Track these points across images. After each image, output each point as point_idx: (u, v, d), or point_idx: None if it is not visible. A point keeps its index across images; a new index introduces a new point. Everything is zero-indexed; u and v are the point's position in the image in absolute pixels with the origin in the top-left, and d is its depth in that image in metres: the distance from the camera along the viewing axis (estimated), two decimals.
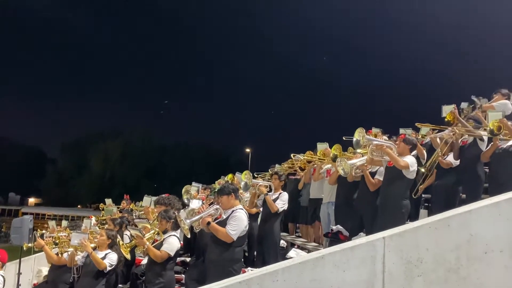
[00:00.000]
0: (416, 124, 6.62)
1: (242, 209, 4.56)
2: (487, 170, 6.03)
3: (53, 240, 6.18)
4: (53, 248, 6.15)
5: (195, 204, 5.07)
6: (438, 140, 6.00)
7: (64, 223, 8.44)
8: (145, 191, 9.13)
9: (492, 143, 5.19)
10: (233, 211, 4.48)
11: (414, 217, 5.75)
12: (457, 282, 2.98)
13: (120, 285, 6.30)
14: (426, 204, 6.61)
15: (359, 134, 5.35)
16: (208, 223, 4.41)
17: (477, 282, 2.95)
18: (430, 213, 5.97)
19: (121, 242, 5.46)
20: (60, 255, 6.03)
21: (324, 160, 6.97)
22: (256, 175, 9.31)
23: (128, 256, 5.31)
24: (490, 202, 3.08)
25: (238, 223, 4.37)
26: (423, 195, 6.43)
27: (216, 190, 5.83)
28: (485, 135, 5.37)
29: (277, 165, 9.24)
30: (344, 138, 6.97)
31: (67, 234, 6.42)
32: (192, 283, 5.50)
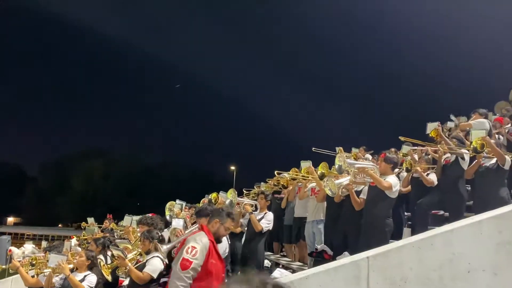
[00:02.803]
0: (399, 137, 6.70)
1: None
2: (469, 188, 6.12)
3: (30, 261, 5.99)
4: (30, 269, 5.96)
5: (178, 223, 5.00)
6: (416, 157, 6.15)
7: (44, 243, 8.24)
8: (129, 211, 9.00)
9: (475, 160, 5.28)
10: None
11: (396, 235, 5.77)
12: None
13: None
14: (409, 222, 6.65)
15: (339, 160, 5.37)
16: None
17: None
18: (413, 232, 6.00)
19: (102, 263, 5.33)
20: (36, 276, 5.84)
21: (308, 178, 6.98)
22: (245, 191, 9.28)
23: (109, 278, 5.17)
24: (472, 221, 3.11)
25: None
26: (405, 213, 6.48)
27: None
28: (466, 153, 5.47)
29: (262, 183, 9.21)
30: (313, 149, 7.02)
31: (44, 255, 6.24)
32: None
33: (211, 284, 3.46)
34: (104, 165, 50.54)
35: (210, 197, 7.98)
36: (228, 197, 6.21)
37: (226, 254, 4.50)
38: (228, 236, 4.76)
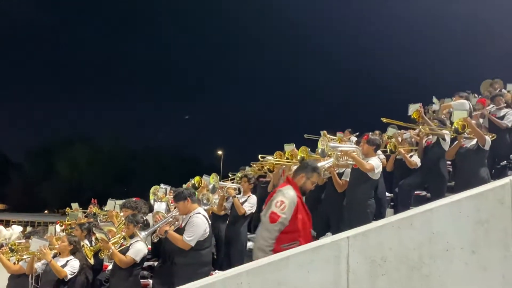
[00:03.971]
0: (381, 118, 6.71)
1: (199, 212, 4.49)
2: (451, 169, 6.19)
3: (9, 246, 5.90)
4: (11, 256, 5.87)
5: (160, 206, 4.97)
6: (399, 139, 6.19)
7: (29, 229, 8.13)
8: (115, 197, 8.92)
9: (456, 141, 5.32)
10: (190, 216, 4.41)
11: (378, 216, 5.82)
12: (419, 280, 2.99)
13: None
14: (392, 203, 6.71)
15: (322, 144, 5.36)
16: (166, 231, 4.34)
17: (439, 279, 2.97)
18: (396, 213, 6.06)
19: (86, 246, 5.28)
20: (17, 263, 5.76)
21: (292, 161, 6.97)
22: (230, 175, 9.26)
23: (92, 261, 5.13)
24: (451, 200, 3.11)
25: (195, 229, 4.31)
26: (388, 194, 6.54)
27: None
28: (447, 134, 5.50)
29: (247, 167, 9.19)
30: (305, 136, 7.01)
31: (25, 241, 6.15)
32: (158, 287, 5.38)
33: (298, 240, 3.53)
34: (89, 151, 50.02)
35: (193, 181, 7.95)
36: (210, 181, 6.18)
37: (207, 235, 4.47)
38: (209, 217, 4.74)
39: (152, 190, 7.58)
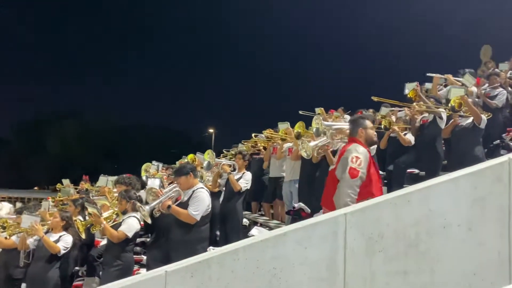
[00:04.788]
0: (372, 97, 6.66)
1: (203, 187, 4.46)
2: (444, 147, 6.19)
3: (0, 224, 5.83)
4: (2, 232, 5.81)
5: (154, 182, 4.92)
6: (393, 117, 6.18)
7: (19, 205, 8.05)
8: (105, 173, 8.86)
9: (452, 119, 5.30)
10: (193, 191, 4.37)
11: None
12: (416, 256, 3.00)
13: (76, 268, 6.09)
14: (385, 181, 6.74)
15: (316, 122, 5.31)
16: (169, 206, 4.29)
17: (435, 256, 2.98)
18: (389, 190, 6.09)
19: (78, 220, 5.24)
20: (9, 238, 5.71)
21: (286, 139, 6.94)
22: (225, 151, 9.24)
23: (83, 235, 5.10)
24: (449, 178, 3.10)
25: (200, 203, 4.28)
26: (380, 172, 6.55)
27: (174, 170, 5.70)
28: (443, 112, 5.48)
29: (240, 145, 9.16)
30: (300, 112, 6.98)
31: (15, 217, 6.09)
32: (155, 264, 5.36)
33: (372, 192, 3.58)
34: (78, 127, 49.43)
35: (187, 158, 7.91)
36: (205, 158, 6.13)
37: (209, 211, 4.45)
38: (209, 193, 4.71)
39: (144, 167, 7.54)
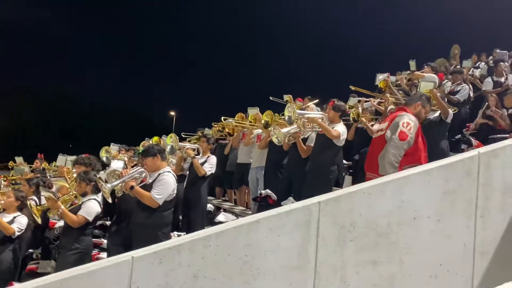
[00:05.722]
0: (350, 86, 6.72)
1: (169, 171, 4.30)
2: None
3: None
4: None
5: (116, 164, 4.71)
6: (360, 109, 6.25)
7: None
8: (60, 152, 8.46)
9: None
10: (159, 174, 4.21)
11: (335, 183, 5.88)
12: (386, 246, 3.03)
13: (30, 250, 5.79)
14: (350, 170, 6.83)
15: (288, 110, 5.29)
16: (132, 187, 4.11)
17: (405, 246, 3.02)
18: (354, 179, 6.17)
19: (32, 204, 4.95)
20: None
21: (255, 125, 6.87)
22: (184, 135, 9.04)
23: (39, 220, 4.83)
24: (422, 169, 3.14)
25: (164, 187, 4.13)
26: (345, 162, 6.63)
27: (140, 151, 5.49)
28: None
29: (206, 129, 9.00)
30: (270, 98, 6.94)
31: None
32: (116, 249, 5.18)
33: (420, 161, 3.75)
34: (32, 104, 47.14)
35: (151, 141, 7.68)
36: (168, 142, 5.95)
37: (173, 195, 4.31)
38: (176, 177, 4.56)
39: (103, 149, 7.26)
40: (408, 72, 7.65)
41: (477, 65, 10.04)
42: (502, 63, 8.16)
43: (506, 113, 6.54)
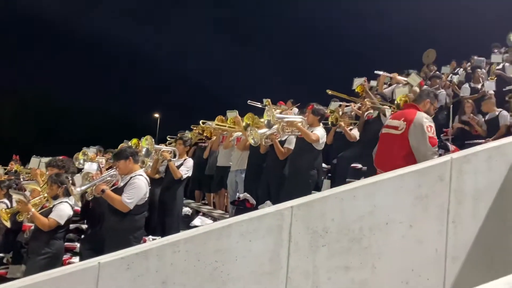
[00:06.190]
0: (327, 91, 6.73)
1: (141, 175, 4.22)
2: None
3: None
4: None
5: (91, 167, 4.61)
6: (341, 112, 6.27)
7: None
8: (40, 155, 8.28)
9: None
10: (131, 177, 4.13)
11: (315, 187, 5.88)
12: (359, 251, 3.00)
13: (1, 254, 5.64)
14: (329, 174, 6.83)
15: (268, 114, 5.28)
16: (103, 190, 4.02)
17: (378, 251, 3.00)
18: (333, 184, 6.17)
19: (3, 208, 4.82)
20: None
21: (235, 127, 6.83)
22: (169, 138, 8.97)
23: (8, 224, 4.69)
24: (394, 175, 3.13)
25: (136, 191, 4.05)
26: (324, 166, 6.64)
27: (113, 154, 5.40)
28: (388, 110, 5.61)
29: (187, 131, 8.93)
30: (248, 102, 6.92)
31: None
32: (88, 253, 5.07)
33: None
34: (13, 105, 46.20)
35: (130, 143, 7.56)
36: (143, 144, 5.87)
37: (145, 199, 4.23)
38: (149, 180, 4.49)
39: (81, 152, 7.13)
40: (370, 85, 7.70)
41: (456, 71, 10.20)
42: (479, 70, 8.31)
43: (482, 120, 6.65)
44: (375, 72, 7.64)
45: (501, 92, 7.23)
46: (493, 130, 6.41)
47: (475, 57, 9.59)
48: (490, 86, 7.54)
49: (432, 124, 3.90)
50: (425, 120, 3.88)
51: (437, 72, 9.56)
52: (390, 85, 8.03)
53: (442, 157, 3.32)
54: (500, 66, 8.48)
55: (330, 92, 6.69)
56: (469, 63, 9.95)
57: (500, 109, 6.62)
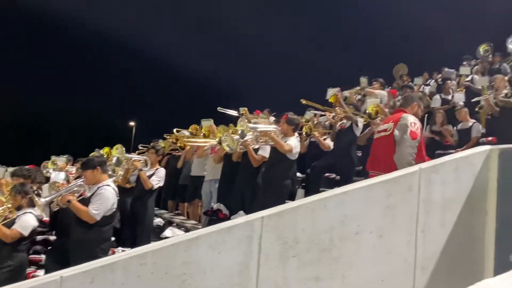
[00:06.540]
0: (301, 100, 6.77)
1: (109, 185, 4.12)
2: (360, 154, 6.42)
3: None
4: None
5: (58, 176, 4.48)
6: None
7: None
8: (12, 163, 7.98)
9: (369, 127, 5.48)
10: (98, 187, 4.02)
11: (289, 196, 5.87)
12: (329, 262, 2.99)
13: None
14: (303, 184, 6.84)
15: (241, 124, 5.27)
16: (69, 201, 3.90)
17: (348, 262, 3.00)
18: (307, 193, 6.17)
19: None
20: None
21: (208, 140, 6.78)
22: (141, 147, 8.82)
23: None
24: (365, 184, 3.14)
25: (103, 202, 3.94)
26: (299, 175, 6.65)
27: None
28: (361, 120, 5.67)
29: (160, 140, 8.80)
30: (218, 109, 6.89)
31: None
32: (53, 266, 4.90)
33: (424, 158, 3.94)
34: None
35: (101, 151, 7.42)
36: (113, 153, 5.75)
37: (113, 210, 4.12)
38: (117, 191, 4.38)
39: (51, 160, 6.96)
40: (359, 88, 7.80)
41: (427, 82, 10.42)
42: (449, 82, 8.51)
43: (454, 130, 6.78)
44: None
45: (470, 104, 7.41)
46: (464, 140, 6.53)
47: (446, 69, 9.83)
48: (459, 98, 7.73)
49: (418, 123, 4.00)
50: (410, 118, 4.00)
51: (410, 83, 9.75)
52: (364, 95, 8.16)
53: (411, 167, 3.35)
54: (469, 78, 8.72)
55: (304, 102, 6.73)
56: (440, 75, 10.20)
57: (474, 120, 6.76)
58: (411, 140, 3.90)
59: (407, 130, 3.91)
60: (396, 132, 4.00)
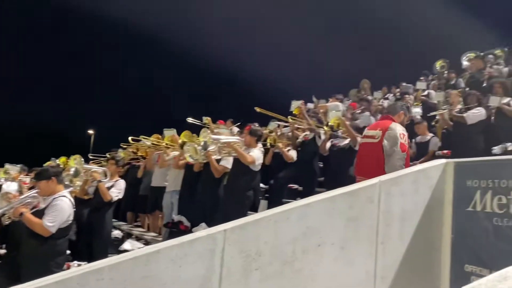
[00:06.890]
0: (255, 108, 6.77)
1: (65, 196, 3.94)
2: (321, 165, 6.51)
3: None
4: None
5: (10, 187, 4.26)
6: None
7: None
8: None
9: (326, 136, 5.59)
10: (54, 198, 3.84)
11: (252, 207, 5.86)
12: (291, 274, 2.98)
13: None
14: (266, 195, 6.84)
15: (203, 136, 5.24)
16: (21, 213, 3.70)
17: (310, 274, 3.00)
18: (270, 204, 6.18)
19: None
20: None
21: (172, 146, 6.67)
22: (91, 156, 8.52)
23: None
24: (327, 196, 3.16)
25: (58, 214, 3.76)
26: (262, 186, 6.65)
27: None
28: (322, 132, 5.76)
29: (120, 150, 8.55)
30: (188, 120, 6.83)
31: None
32: (2, 281, 4.62)
33: (408, 163, 4.07)
34: None
35: (58, 161, 7.15)
36: (71, 164, 5.53)
37: (69, 222, 3.95)
38: (73, 202, 4.20)
39: (3, 170, 6.62)
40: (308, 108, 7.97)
41: (386, 96, 10.75)
42: (407, 96, 8.80)
43: (412, 143, 6.99)
44: (313, 98, 7.88)
45: (427, 118, 7.69)
46: (422, 153, 6.75)
47: (403, 84, 10.17)
48: (416, 112, 8.00)
49: (405, 133, 4.11)
50: (399, 128, 4.09)
51: (368, 97, 10.03)
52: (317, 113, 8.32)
53: (371, 179, 3.41)
54: (426, 93, 9.05)
55: (258, 110, 6.74)
56: (398, 89, 10.53)
57: (432, 134, 7.00)
58: (401, 152, 3.99)
59: (397, 142, 4.00)
60: (385, 143, 4.07)
